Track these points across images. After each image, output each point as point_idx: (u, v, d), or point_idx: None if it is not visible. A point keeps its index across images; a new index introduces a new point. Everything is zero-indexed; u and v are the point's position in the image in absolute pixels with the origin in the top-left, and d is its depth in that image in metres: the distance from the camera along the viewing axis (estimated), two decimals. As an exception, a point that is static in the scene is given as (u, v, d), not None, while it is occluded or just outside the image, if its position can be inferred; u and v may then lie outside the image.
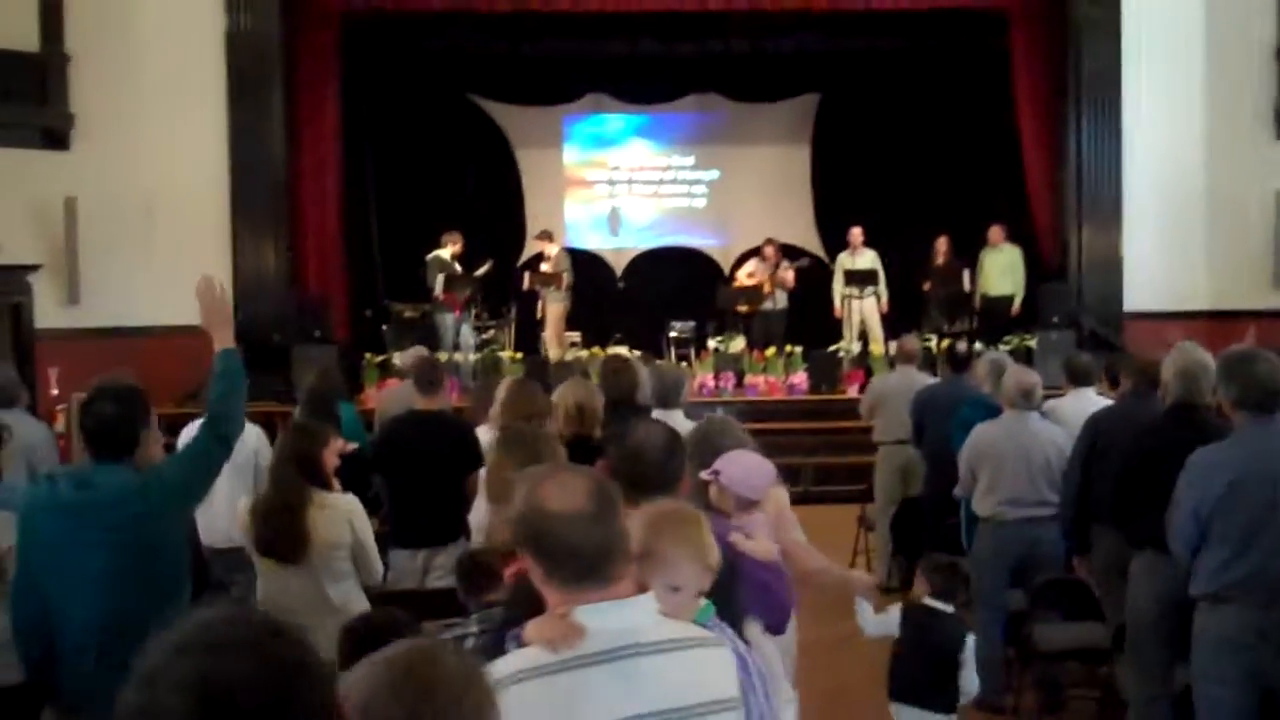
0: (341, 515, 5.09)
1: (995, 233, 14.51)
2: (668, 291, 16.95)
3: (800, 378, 13.49)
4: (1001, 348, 13.35)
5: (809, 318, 15.28)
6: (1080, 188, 14.13)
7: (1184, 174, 14.09)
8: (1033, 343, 13.42)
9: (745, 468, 4.06)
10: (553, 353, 13.91)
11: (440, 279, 13.80)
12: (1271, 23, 13.71)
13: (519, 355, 13.72)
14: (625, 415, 6.29)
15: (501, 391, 6.59)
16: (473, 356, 13.67)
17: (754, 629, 3.90)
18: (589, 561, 2.37)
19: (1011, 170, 14.97)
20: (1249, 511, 4.42)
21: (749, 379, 13.52)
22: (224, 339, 4.17)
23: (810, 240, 17.83)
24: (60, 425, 10.80)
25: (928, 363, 12.80)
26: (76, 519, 3.83)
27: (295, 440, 5.07)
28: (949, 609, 5.16)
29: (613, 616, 2.36)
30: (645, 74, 17.64)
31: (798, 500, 12.04)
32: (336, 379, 8.42)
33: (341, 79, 14.63)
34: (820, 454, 12.28)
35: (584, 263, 17.39)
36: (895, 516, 8.82)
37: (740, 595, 3.74)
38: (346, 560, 5.09)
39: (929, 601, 5.16)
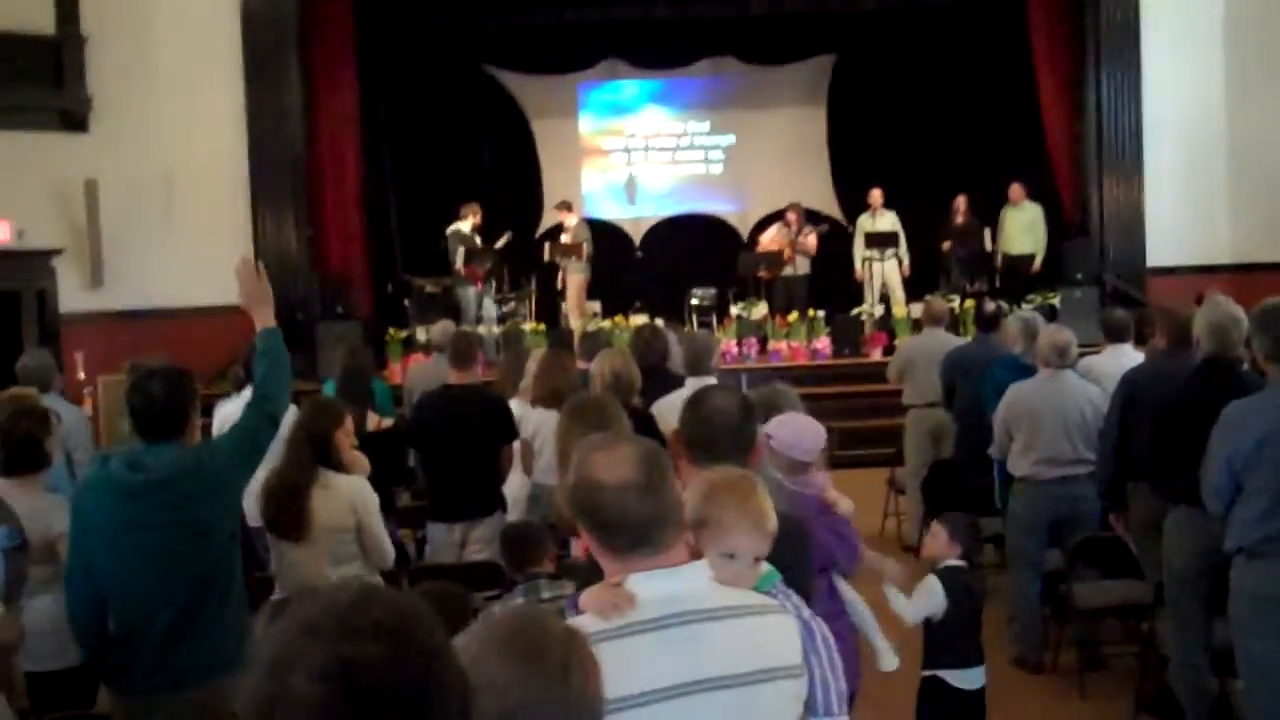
0: (344, 498, 5.03)
1: (1016, 190, 14.45)
2: (687, 259, 16.91)
3: (823, 342, 13.50)
4: (1025, 306, 13.33)
5: (830, 281, 15.22)
6: (1100, 143, 14.10)
7: (1205, 126, 14.04)
8: (1056, 300, 13.39)
9: (796, 430, 4.10)
10: (574, 323, 13.90)
11: (461, 252, 13.81)
12: (1292, -34, 13.63)
13: (541, 327, 13.71)
14: (660, 382, 6.36)
15: (533, 364, 6.66)
16: (495, 329, 13.65)
17: (846, 588, 3.99)
18: (640, 531, 2.36)
19: (1031, 127, 14.92)
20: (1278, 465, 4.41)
21: (772, 345, 13.53)
22: (265, 318, 4.19)
23: (828, 203, 17.75)
24: (88, 409, 10.85)
25: (952, 324, 12.83)
26: (130, 500, 3.86)
27: (310, 419, 5.06)
28: (965, 564, 5.20)
29: (664, 583, 2.36)
30: (659, 38, 17.54)
31: (827, 464, 12.17)
32: (367, 356, 8.49)
33: (362, 53, 14.60)
34: (846, 418, 12.14)
35: (602, 232, 17.36)
36: (926, 479, 8.80)
37: (814, 556, 3.80)
38: (351, 543, 5.04)
39: (957, 563, 5.17)
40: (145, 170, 13.21)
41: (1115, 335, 7.48)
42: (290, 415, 6.99)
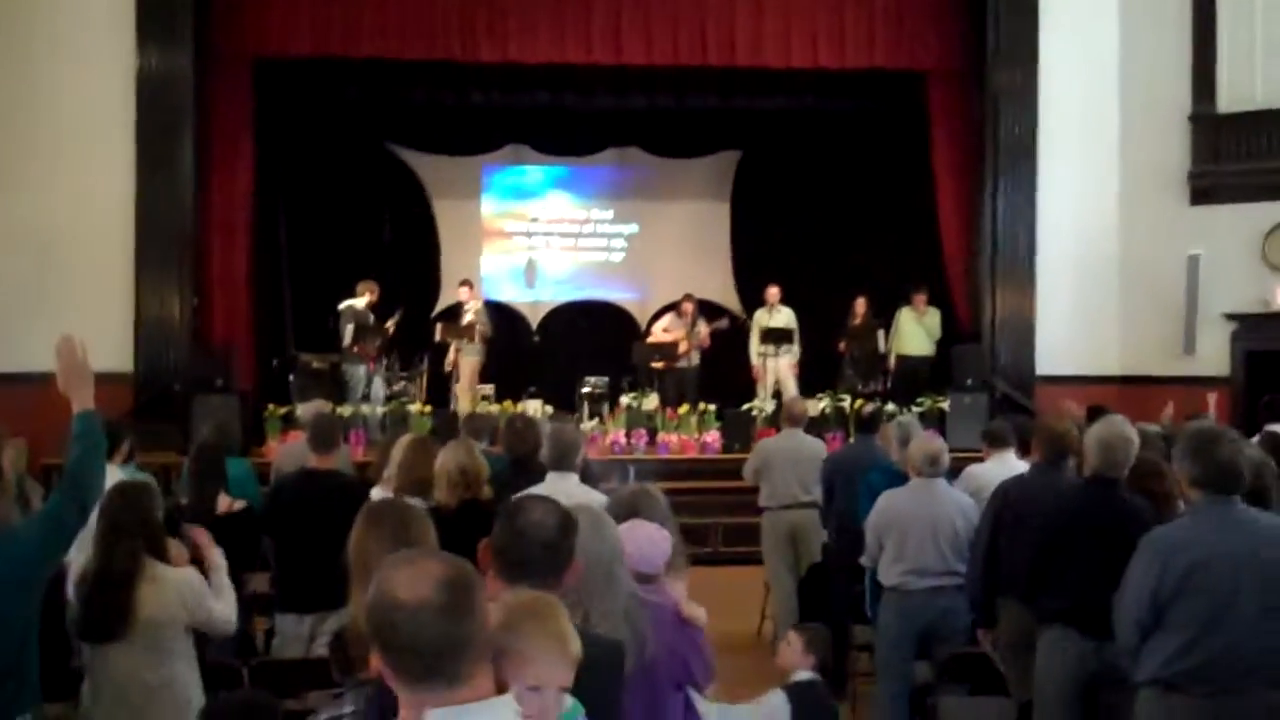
0: (172, 590, 4.74)
1: (919, 298, 14.54)
2: (584, 346, 16.83)
3: (713, 436, 13.38)
4: (914, 409, 13.38)
5: (724, 375, 15.18)
6: (995, 251, 14.22)
7: (1098, 238, 14.23)
8: (945, 404, 13.42)
9: (638, 540, 3.92)
10: (464, 406, 13.64)
11: (350, 328, 13.55)
12: (1185, 89, 13.87)
13: (428, 409, 13.45)
14: (527, 476, 6.17)
15: (397, 452, 6.41)
16: (380, 409, 13.37)
17: (700, 701, 3.82)
18: (431, 659, 2.17)
19: (929, 232, 15.02)
20: (1210, 595, 4.26)
21: (661, 436, 13.38)
22: (83, 400, 3.94)
23: (728, 297, 17.78)
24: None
25: (839, 423, 12.79)
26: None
27: (122, 503, 4.74)
28: (818, 678, 5.03)
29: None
30: (566, 126, 17.56)
31: (708, 560, 12.01)
32: (230, 434, 8.18)
33: (260, 124, 14.35)
34: (733, 514, 12.08)
35: (500, 315, 17.22)
36: (801, 583, 8.68)
37: (670, 672, 3.63)
38: (177, 639, 4.76)
39: (809, 675, 5.00)
40: (24, 231, 12.84)
41: (996, 443, 7.42)
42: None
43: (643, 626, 3.46)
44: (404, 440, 6.60)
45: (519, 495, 3.45)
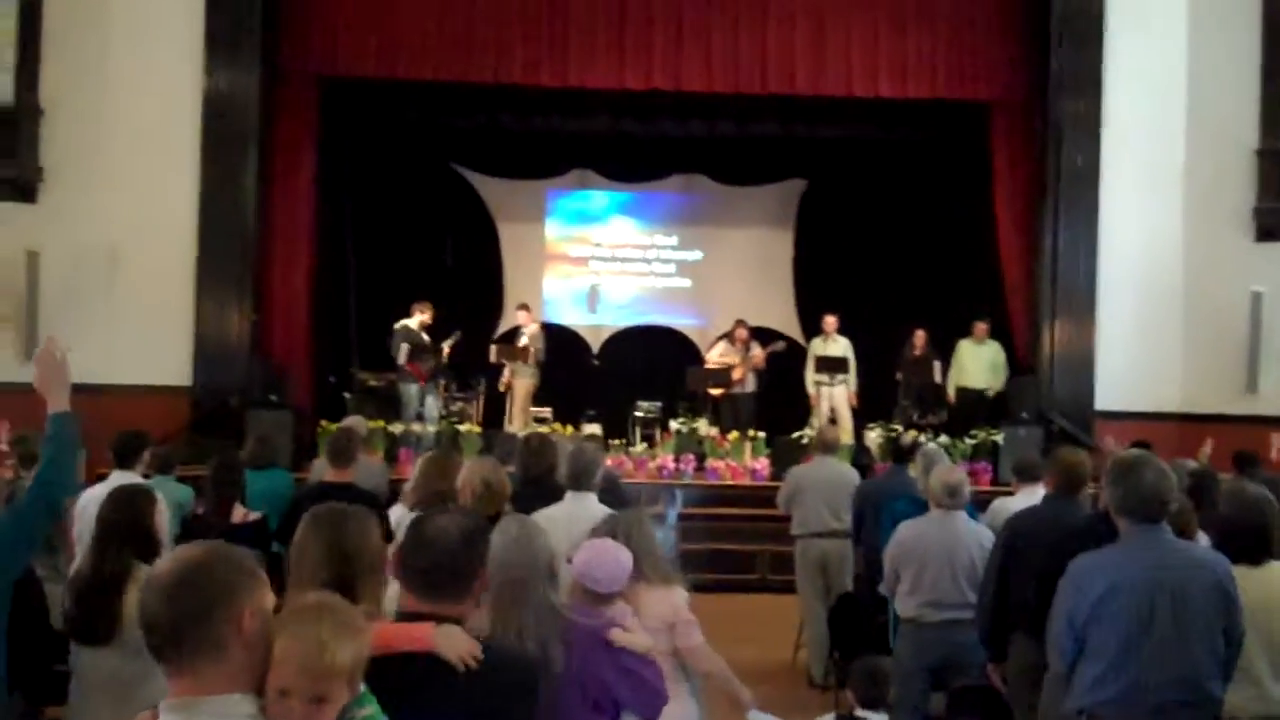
0: None
1: (980, 328, 14.43)
2: (643, 371, 16.86)
3: (762, 463, 13.28)
4: (968, 441, 13.24)
5: (781, 402, 15.14)
6: (1055, 283, 13.99)
7: (1160, 273, 13.95)
8: (999, 437, 13.22)
9: (590, 560, 3.91)
10: (517, 428, 13.68)
11: (404, 348, 13.66)
12: (1253, 123, 13.60)
13: (477, 429, 13.50)
14: (543, 494, 6.16)
15: (417, 466, 6.43)
16: (432, 429, 13.45)
17: None
18: (154, 639, 2.19)
19: (989, 264, 14.85)
20: (1125, 621, 4.23)
21: (710, 462, 13.31)
22: (58, 402, 3.95)
23: (790, 325, 17.72)
24: (9, 475, 10.64)
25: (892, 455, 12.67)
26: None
27: (115, 508, 4.77)
28: (880, 717, 4.94)
29: (182, 714, 2.16)
30: (630, 152, 17.62)
31: (755, 588, 11.94)
32: (270, 448, 8.21)
33: (321, 144, 14.52)
34: (779, 541, 11.94)
35: (561, 339, 17.32)
36: (832, 612, 8.56)
37: (586, 693, 3.58)
38: None
39: (860, 713, 4.94)
40: (91, 244, 13.08)
41: (1025, 476, 7.31)
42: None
43: (550, 644, 3.43)
44: (426, 455, 6.63)
45: (434, 509, 3.41)
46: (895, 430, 13.39)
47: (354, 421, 8.81)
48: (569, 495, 5.97)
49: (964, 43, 14.28)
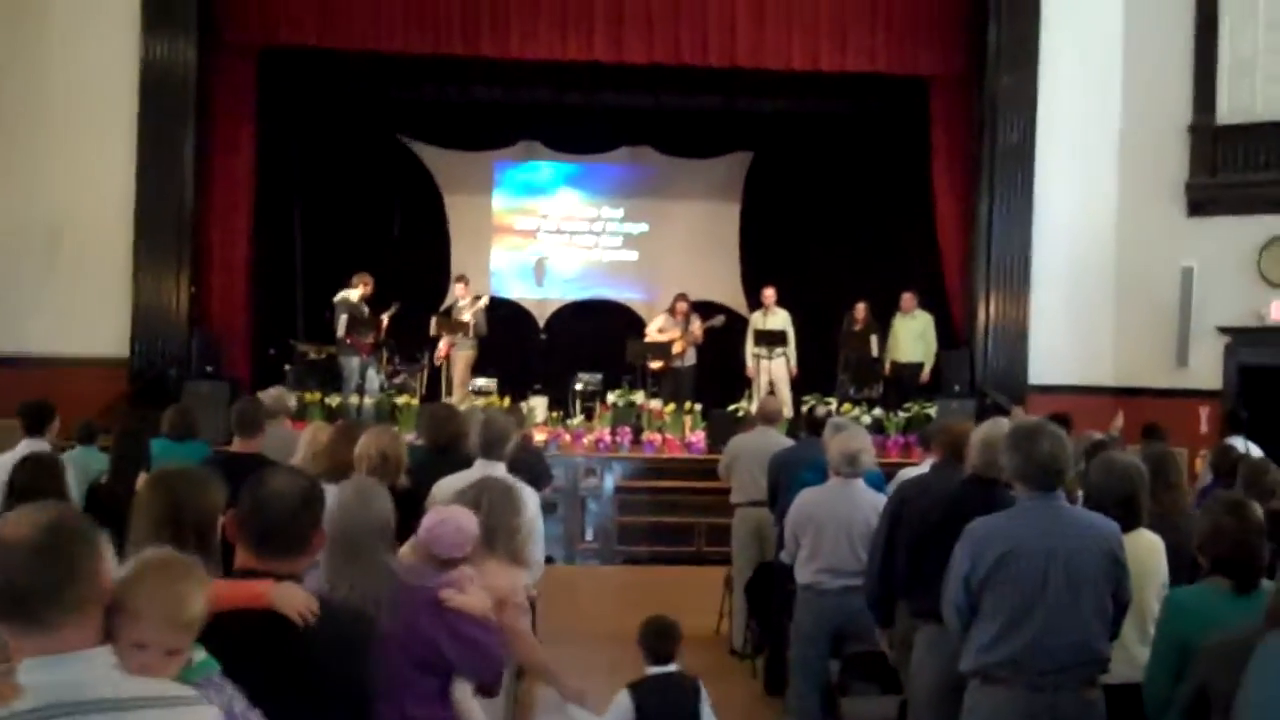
0: None
1: (907, 299, 14.54)
2: (590, 345, 16.92)
3: (698, 436, 13.39)
4: (901, 414, 13.39)
5: (721, 376, 15.26)
6: (990, 257, 14.15)
7: (1094, 248, 14.13)
8: (932, 410, 13.37)
9: (433, 524, 4.01)
10: (455, 401, 13.75)
11: (344, 320, 13.68)
12: (1186, 99, 13.74)
13: (414, 401, 13.56)
14: (449, 463, 6.26)
15: (310, 435, 6.49)
16: (371, 402, 13.51)
17: (463, 689, 3.82)
18: (19, 599, 2.22)
19: (928, 238, 14.98)
20: (1020, 586, 4.33)
21: (647, 435, 13.41)
22: None
23: (735, 298, 17.86)
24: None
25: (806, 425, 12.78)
26: None
27: (25, 474, 4.86)
28: (672, 668, 5.00)
29: (51, 671, 2.22)
30: (577, 124, 17.73)
31: (690, 560, 12.06)
32: (190, 419, 8.23)
33: (262, 115, 14.49)
34: (714, 514, 12.08)
35: (508, 312, 17.41)
36: (750, 580, 8.71)
37: (409, 654, 3.67)
38: None
39: (652, 670, 4.99)
40: (28, 216, 13.10)
41: (927, 446, 7.41)
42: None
43: (380, 603, 3.52)
44: (326, 427, 6.71)
45: (270, 468, 3.50)
46: (828, 404, 13.50)
47: (275, 392, 8.87)
48: (478, 463, 6.07)
49: (903, 17, 14.38)
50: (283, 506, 3.09)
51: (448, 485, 6.03)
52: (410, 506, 4.69)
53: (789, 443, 9.09)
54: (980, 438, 5.26)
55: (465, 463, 6.25)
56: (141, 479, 3.42)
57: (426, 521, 4.02)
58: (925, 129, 14.86)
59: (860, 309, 14.81)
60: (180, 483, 3.34)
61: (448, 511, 4.09)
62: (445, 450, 6.57)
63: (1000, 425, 5.29)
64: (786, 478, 8.05)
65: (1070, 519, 4.46)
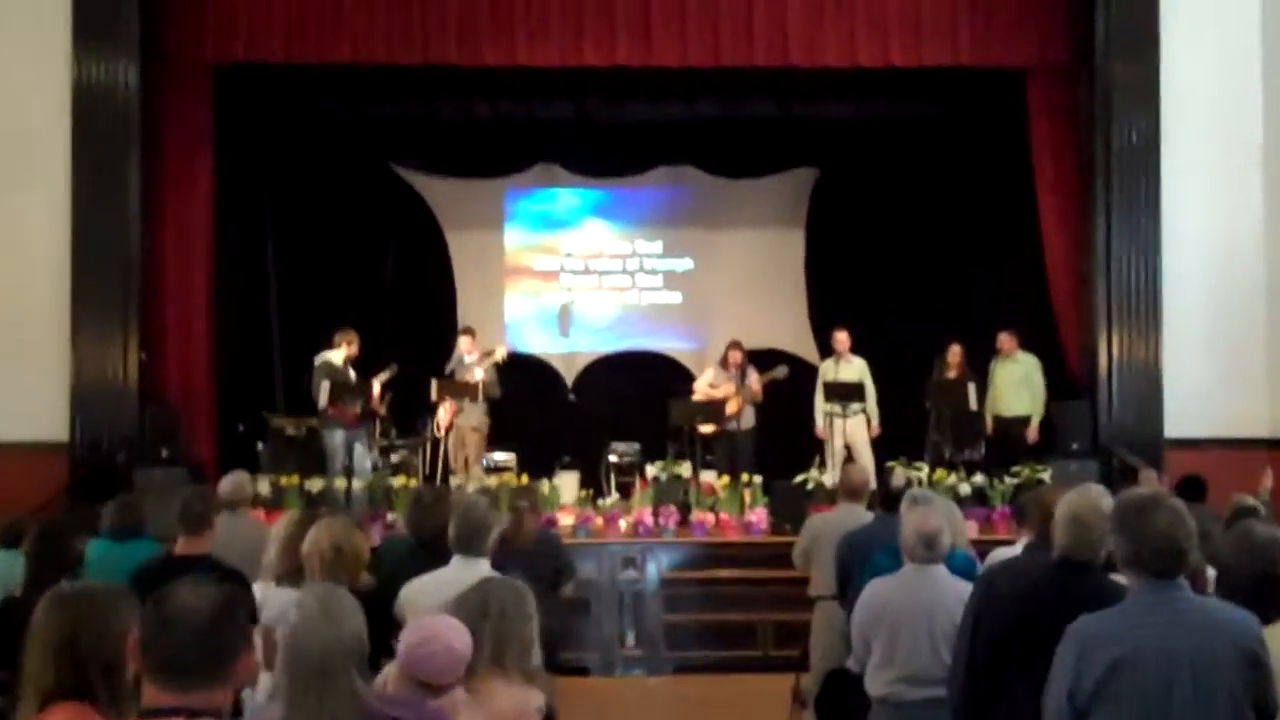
0: None
1: (1006, 340, 14.48)
2: (627, 406, 16.97)
3: (759, 514, 13.30)
4: (1007, 480, 13.27)
5: (786, 440, 15.25)
6: (1110, 284, 14.03)
7: (1238, 269, 14.01)
8: (1046, 474, 13.23)
9: (415, 644, 3.98)
10: (462, 481, 13.75)
11: (325, 387, 13.72)
12: (1346, 85, 13.70)
13: (412, 482, 13.57)
14: (439, 560, 6.27)
15: (279, 530, 6.52)
16: (360, 484, 13.53)
17: None
18: None
19: (1034, 263, 14.90)
20: (1138, 699, 4.24)
21: (696, 515, 13.33)
22: None
23: (803, 344, 17.88)
24: None
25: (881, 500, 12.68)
26: None
27: None
28: None
29: None
30: (602, 142, 17.87)
31: (755, 666, 12.00)
32: (136, 514, 8.28)
33: (223, 144, 14.60)
34: (783, 608, 12.01)
35: (528, 369, 17.46)
36: (820, 692, 8.60)
37: None
38: None
39: None
40: (-59, 274, 13.26)
41: (1021, 521, 7.36)
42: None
43: None
44: (286, 517, 6.72)
45: (182, 580, 3.49)
46: (918, 470, 13.40)
47: (235, 477, 8.89)
48: (455, 560, 6.12)
49: (991, -1, 14.41)
50: (193, 624, 3.06)
51: (420, 589, 6.05)
52: (376, 613, 4.68)
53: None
54: (1066, 511, 5.20)
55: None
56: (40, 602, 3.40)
57: (408, 639, 4.02)
58: (1023, 133, 14.82)
59: (954, 353, 14.78)
60: (79, 604, 3.35)
61: (432, 627, 4.08)
62: (432, 544, 6.58)
63: (1091, 494, 5.23)
64: (858, 564, 8.00)
65: (1196, 613, 4.35)
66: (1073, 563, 5.11)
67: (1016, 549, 7.22)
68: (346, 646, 3.69)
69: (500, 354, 15.27)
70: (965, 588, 6.49)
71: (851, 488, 9.51)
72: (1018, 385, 14.55)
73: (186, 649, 3.05)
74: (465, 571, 5.97)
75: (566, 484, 14.21)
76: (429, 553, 6.44)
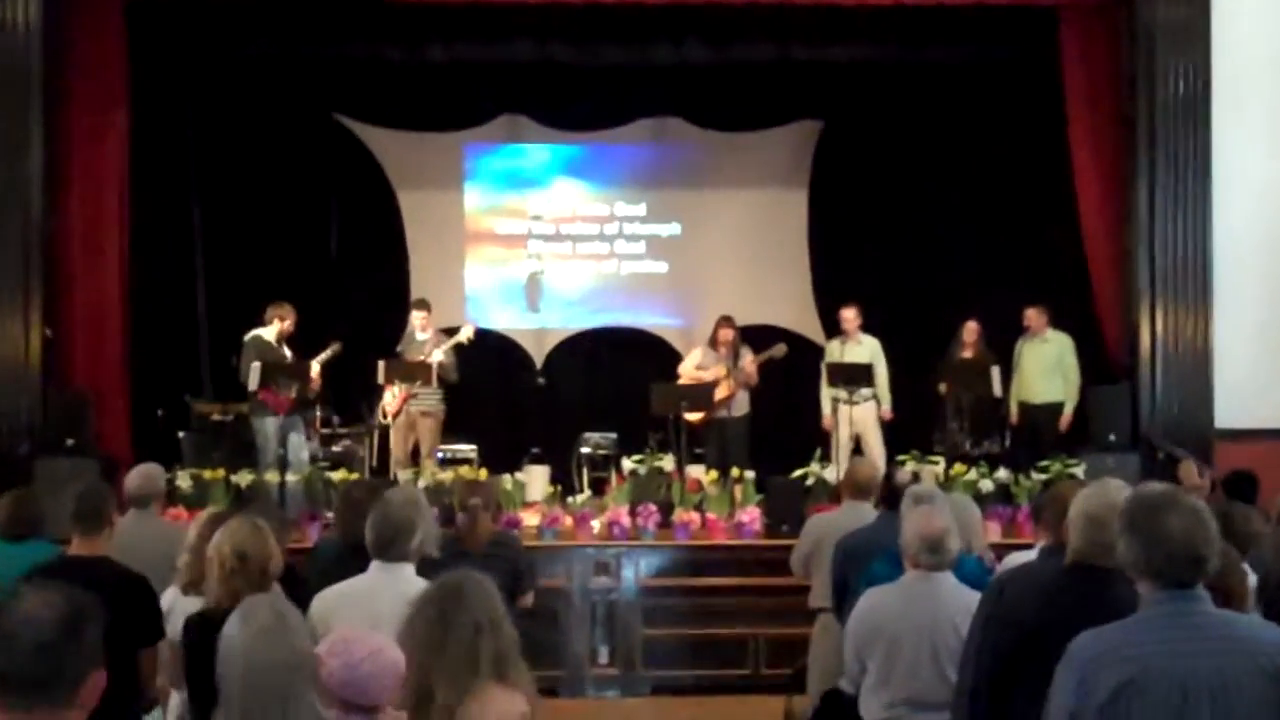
0: None
1: (1034, 317, 14.47)
2: (603, 390, 16.98)
3: (752, 514, 13.24)
4: (1035, 476, 13.23)
5: (785, 429, 15.28)
6: (1154, 255, 13.99)
7: (1299, 237, 13.97)
8: (1079, 470, 13.19)
9: (342, 661, 3.93)
10: (410, 476, 13.65)
11: (255, 369, 13.65)
12: None
13: (353, 476, 13.46)
14: (354, 567, 6.22)
15: (192, 530, 6.47)
16: (295, 478, 13.44)
17: None
18: None
19: (1068, 231, 14.87)
20: None
21: (680, 515, 13.27)
22: None
23: (804, 320, 17.86)
24: None
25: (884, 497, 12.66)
26: None
27: None
28: None
29: None
30: (576, 89, 17.70)
31: (745, 686, 12.01)
32: (31, 511, 8.23)
33: (140, 91, 14.55)
34: (777, 622, 12.01)
35: (491, 348, 17.37)
36: (816, 711, 8.58)
37: None
38: None
39: None
40: None
41: (1039, 520, 7.34)
42: None
43: None
44: (201, 516, 6.67)
45: (24, 589, 3.41)
46: (933, 463, 13.36)
47: (144, 469, 8.84)
48: (373, 566, 6.10)
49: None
50: (34, 638, 3.03)
51: (334, 599, 6.00)
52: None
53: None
54: (1081, 509, 5.14)
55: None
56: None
57: (331, 658, 3.97)
58: (1056, 81, 14.77)
59: (970, 330, 14.80)
60: None
61: (360, 643, 4.04)
62: (363, 548, 6.50)
63: (1109, 490, 5.16)
64: (855, 571, 7.95)
65: (1217, 629, 4.27)
66: (1088, 568, 5.05)
67: (1033, 553, 7.19)
68: (302, 667, 3.66)
69: (466, 335, 15.18)
70: (974, 598, 6.44)
71: (857, 484, 9.44)
72: (1048, 368, 14.55)
73: (27, 664, 3.02)
74: (384, 579, 5.96)
75: (534, 479, 14.17)
76: (360, 557, 6.36)
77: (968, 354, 14.75)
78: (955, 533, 6.56)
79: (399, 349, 15.13)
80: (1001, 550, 8.78)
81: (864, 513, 9.16)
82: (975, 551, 7.64)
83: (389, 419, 14.83)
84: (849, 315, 14.97)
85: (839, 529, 9.04)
